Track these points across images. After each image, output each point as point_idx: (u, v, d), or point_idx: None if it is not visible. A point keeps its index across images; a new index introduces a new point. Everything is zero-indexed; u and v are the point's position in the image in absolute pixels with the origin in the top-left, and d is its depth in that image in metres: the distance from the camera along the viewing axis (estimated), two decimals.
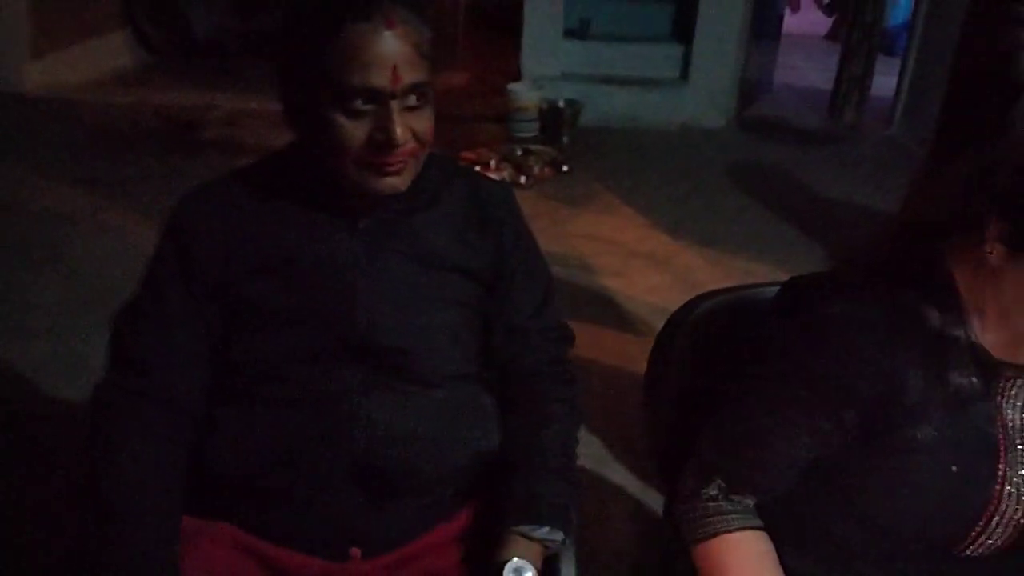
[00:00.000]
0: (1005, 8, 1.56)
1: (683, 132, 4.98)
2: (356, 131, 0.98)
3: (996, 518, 0.93)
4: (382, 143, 0.98)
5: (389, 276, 1.06)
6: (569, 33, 5.13)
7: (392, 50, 0.96)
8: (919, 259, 0.95)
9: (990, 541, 0.94)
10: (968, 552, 0.96)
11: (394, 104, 0.98)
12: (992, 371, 0.93)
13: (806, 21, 7.89)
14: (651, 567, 1.74)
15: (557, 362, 1.19)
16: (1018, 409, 0.93)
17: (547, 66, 5.06)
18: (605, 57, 5.11)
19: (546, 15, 5.02)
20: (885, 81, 5.27)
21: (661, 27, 5.21)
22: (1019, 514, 0.92)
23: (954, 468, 0.91)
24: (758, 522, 0.99)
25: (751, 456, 0.98)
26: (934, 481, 0.92)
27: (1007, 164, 0.86)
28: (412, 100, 1.00)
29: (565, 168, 4.35)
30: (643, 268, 3.41)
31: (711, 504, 0.99)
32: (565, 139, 4.74)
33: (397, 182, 1.02)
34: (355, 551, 1.03)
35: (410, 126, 1.00)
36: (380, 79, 0.96)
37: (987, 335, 0.92)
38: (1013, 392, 0.93)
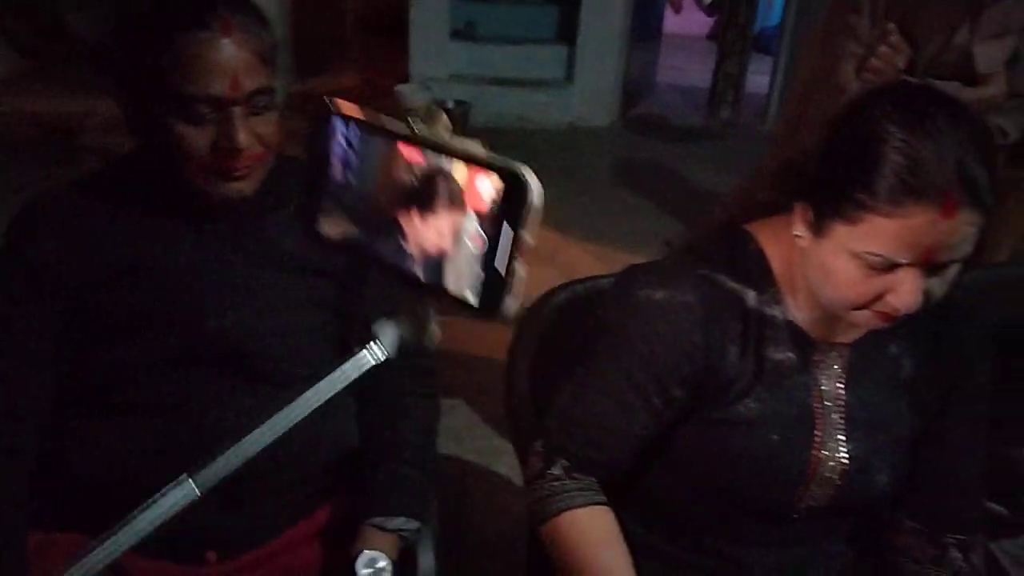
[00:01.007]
0: (842, 19, 1.68)
1: (570, 131, 5.10)
2: (199, 138, 0.97)
3: (816, 480, 1.01)
4: (226, 150, 0.98)
5: (239, 280, 1.06)
6: (456, 35, 5.17)
7: (231, 57, 0.96)
8: (737, 245, 1.02)
9: (813, 502, 1.02)
10: (796, 514, 1.04)
11: (236, 111, 0.97)
12: (807, 346, 1.01)
13: (688, 22, 8.15)
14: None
15: (415, 355, 1.22)
16: (832, 380, 1.02)
17: (435, 68, 5.08)
18: (492, 59, 5.18)
19: (433, 17, 5.04)
20: (761, 79, 5.52)
21: (546, 29, 5.31)
22: (836, 475, 1.01)
23: (775, 437, 0.99)
24: (602, 498, 1.04)
25: (591, 435, 1.03)
26: (758, 450, 0.99)
27: (811, 156, 0.94)
28: (256, 105, 1.00)
29: None
30: (529, 263, 3.43)
31: (556, 483, 1.03)
32: None
33: (243, 187, 1.02)
34: (211, 554, 1.03)
35: (255, 131, 1.00)
36: (219, 87, 0.95)
37: (801, 313, 1.00)
38: (828, 364, 1.02)
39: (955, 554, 1.06)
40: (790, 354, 1.00)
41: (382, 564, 0.99)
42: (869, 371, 1.02)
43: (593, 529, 1.02)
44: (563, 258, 3.52)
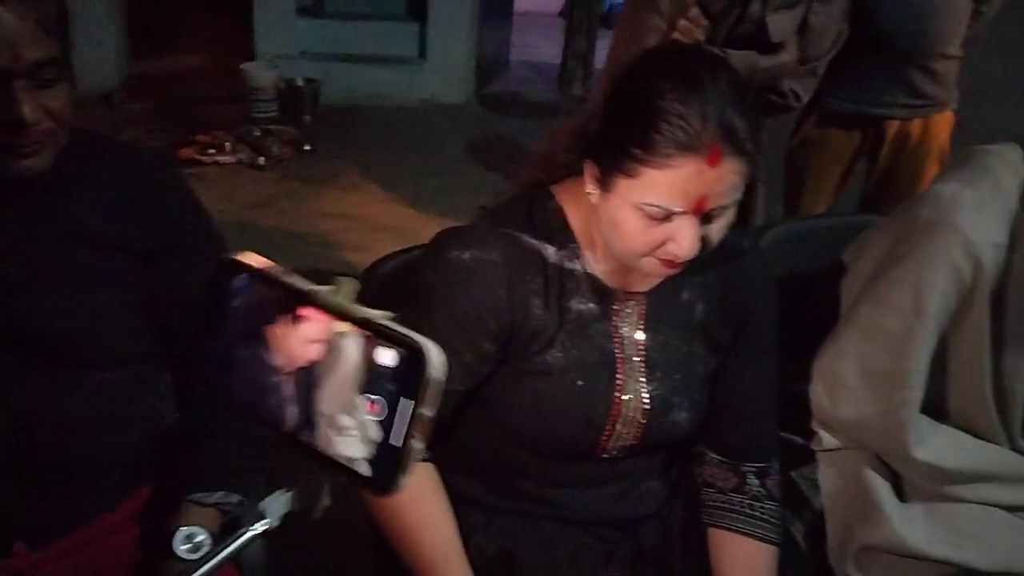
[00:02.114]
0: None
1: (425, 108, 5.09)
2: None
3: (620, 421, 1.08)
4: (10, 124, 0.93)
5: (36, 260, 1.02)
6: (303, 11, 5.05)
7: (8, 28, 0.92)
8: (538, 205, 1.07)
9: (620, 442, 1.09)
10: (606, 454, 1.10)
11: (20, 83, 0.93)
12: (607, 296, 1.08)
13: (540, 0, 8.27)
14: None
15: None
16: (631, 327, 1.09)
17: (282, 45, 4.95)
18: (342, 35, 5.09)
19: None
20: None
21: (396, 6, 5.27)
22: (639, 414, 1.08)
23: (580, 383, 1.05)
24: (425, 454, 1.08)
25: None
26: (564, 396, 1.05)
27: (595, 117, 1.00)
28: (41, 77, 0.96)
29: (307, 147, 4.31)
30: (386, 241, 3.47)
31: None
32: (307, 118, 4.68)
33: (34, 163, 0.98)
34: (19, 545, 1.00)
35: (43, 104, 0.96)
36: None
37: (599, 266, 1.07)
38: (626, 312, 1.09)
39: (753, 480, 1.17)
40: (591, 304, 1.07)
41: (200, 538, 0.99)
42: (665, 317, 1.10)
43: (414, 484, 1.04)
44: (420, 235, 3.51)
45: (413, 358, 0.50)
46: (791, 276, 1.61)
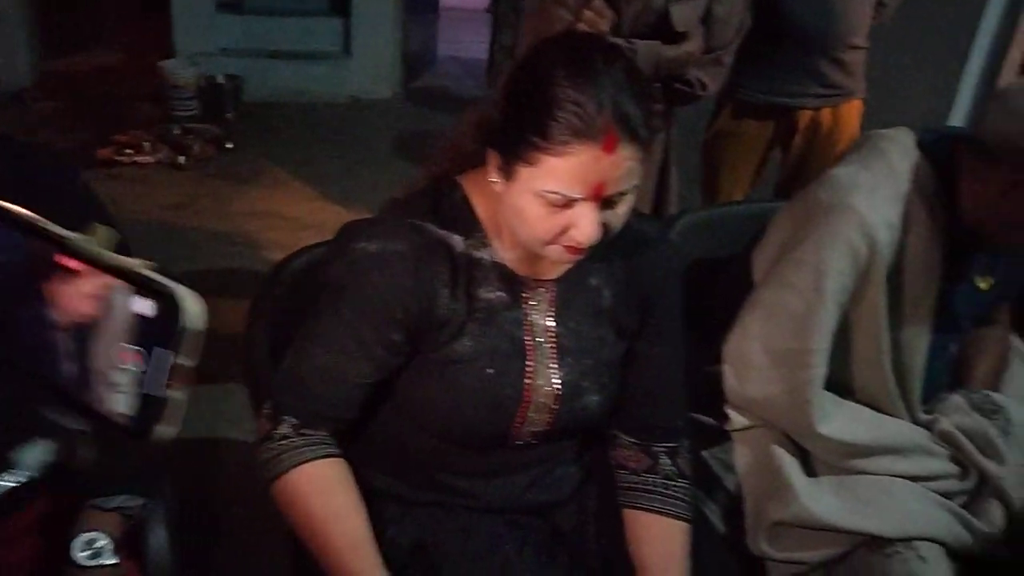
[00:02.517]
0: None
1: (352, 105, 5.03)
2: None
3: (532, 408, 1.09)
4: None
5: None
6: (223, 7, 4.94)
7: None
8: (445, 195, 1.07)
9: (533, 428, 1.10)
10: (519, 441, 1.11)
11: None
12: (516, 285, 1.08)
13: None
14: None
15: None
16: (541, 314, 1.10)
17: (202, 42, 4.84)
18: (264, 31, 5.00)
19: None
20: None
21: (319, 1, 5.20)
22: (550, 400, 1.09)
23: (490, 371, 1.06)
24: (334, 450, 1.07)
25: (317, 390, 1.05)
26: (475, 384, 1.05)
27: (496, 107, 1.00)
28: None
29: (229, 145, 4.22)
30: (313, 240, 3.42)
31: (284, 442, 1.04)
32: (229, 116, 4.59)
33: None
34: None
35: None
36: None
37: (507, 254, 1.07)
38: (536, 300, 1.10)
39: (665, 460, 1.19)
40: (500, 293, 1.07)
41: (101, 543, 0.96)
42: (574, 303, 1.11)
43: (321, 480, 1.04)
44: None
45: (169, 307, 0.49)
46: (703, 262, 1.65)
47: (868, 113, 2.38)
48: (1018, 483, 1.33)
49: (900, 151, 1.31)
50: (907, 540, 1.24)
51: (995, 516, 1.32)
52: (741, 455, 1.36)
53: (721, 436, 1.40)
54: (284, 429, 1.05)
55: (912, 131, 1.35)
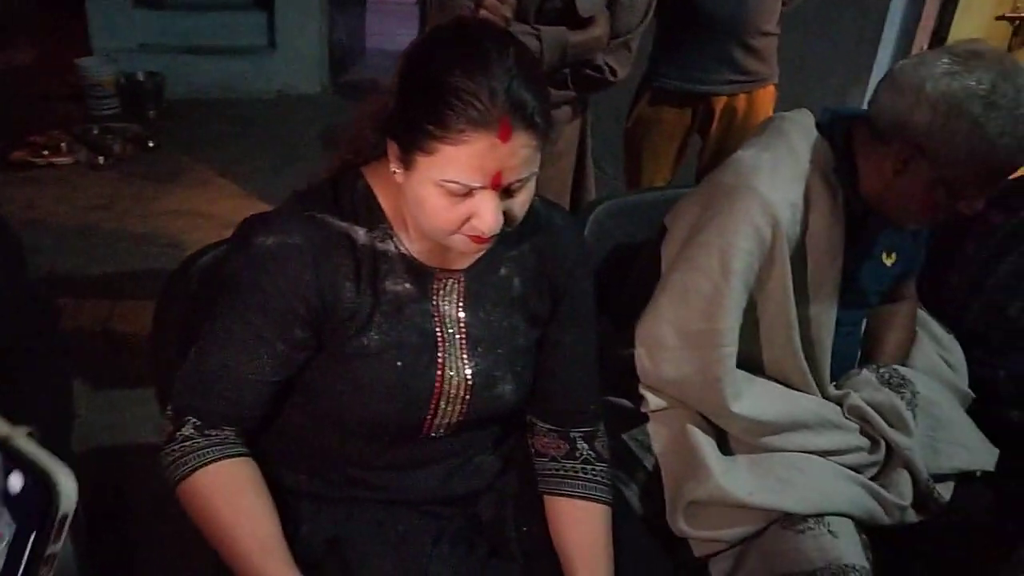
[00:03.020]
0: None
1: (278, 100, 4.95)
2: None
3: (444, 399, 1.08)
4: None
5: None
6: (140, 2, 4.80)
7: None
8: (346, 186, 1.06)
9: (446, 419, 1.10)
10: (433, 433, 1.11)
11: None
12: (424, 276, 1.07)
13: None
14: None
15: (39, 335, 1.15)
16: (451, 304, 1.09)
17: (120, 38, 4.70)
18: (185, 27, 4.88)
19: None
20: None
21: None
22: (462, 391, 1.09)
23: (399, 364, 1.05)
24: (240, 449, 1.05)
25: (220, 389, 1.03)
26: (384, 378, 1.04)
27: (391, 97, 0.99)
28: None
29: (151, 144, 4.11)
30: None
31: (187, 443, 1.02)
32: (151, 114, 4.47)
33: None
34: None
35: None
36: None
37: (414, 245, 1.06)
38: (446, 291, 1.09)
39: (582, 445, 1.20)
40: (407, 285, 1.06)
41: None
42: (484, 293, 1.11)
43: (227, 481, 1.02)
44: None
45: (42, 485, 0.44)
46: (622, 247, 1.67)
47: (783, 98, 2.44)
48: (925, 454, 1.38)
49: (800, 132, 1.34)
50: (819, 516, 1.28)
51: (904, 487, 1.36)
52: (658, 436, 1.38)
53: (639, 418, 1.42)
54: (187, 431, 1.03)
55: (812, 113, 1.38)
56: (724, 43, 2.25)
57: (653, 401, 1.38)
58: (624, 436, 1.42)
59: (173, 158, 4.04)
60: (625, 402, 1.42)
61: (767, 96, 2.38)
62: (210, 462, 1.01)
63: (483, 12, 1.65)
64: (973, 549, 1.70)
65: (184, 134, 4.33)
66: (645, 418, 1.41)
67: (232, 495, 1.01)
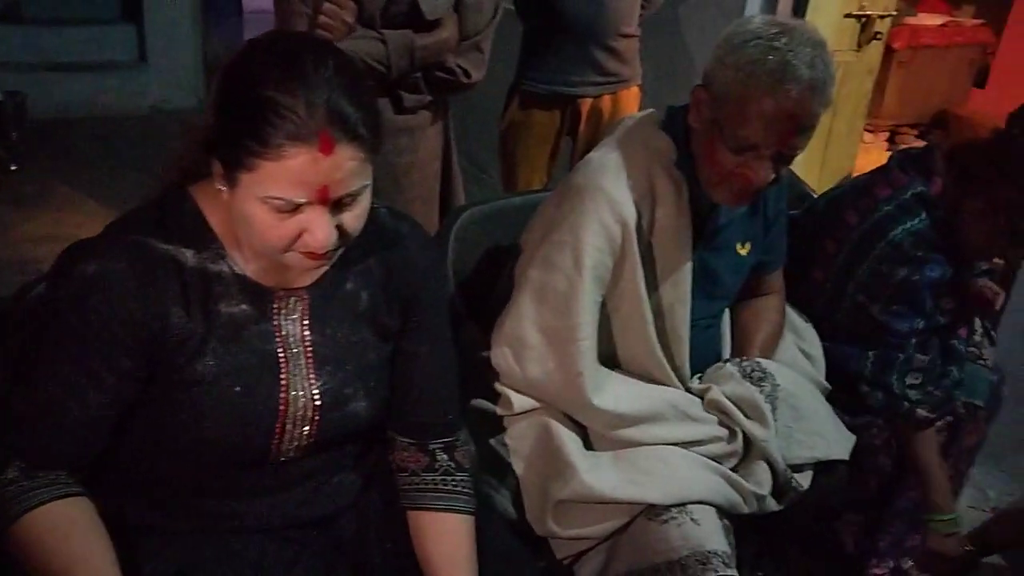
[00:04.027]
0: None
1: (152, 116, 4.76)
2: None
3: (290, 421, 1.05)
4: None
5: None
6: None
7: None
8: (172, 207, 1.02)
9: (296, 443, 1.07)
10: (283, 457, 1.08)
11: None
12: (263, 296, 1.04)
13: None
14: None
15: None
16: (295, 323, 1.06)
17: None
18: (48, 42, 4.63)
19: None
20: None
21: (108, 8, 4.87)
22: (310, 411, 1.06)
23: (238, 389, 1.01)
24: (72, 489, 0.99)
25: (46, 428, 0.97)
26: (223, 405, 1.01)
27: (210, 113, 0.96)
28: None
29: (13, 167, 3.89)
30: None
31: (11, 487, 0.96)
32: (13, 135, 4.21)
33: None
34: None
35: None
36: None
37: (249, 265, 1.03)
38: (288, 310, 1.06)
39: (442, 456, 1.19)
40: (244, 306, 1.03)
41: None
42: (329, 309, 1.09)
43: (59, 523, 0.96)
44: None
45: None
46: (488, 253, 1.68)
47: (651, 100, 2.49)
48: (782, 445, 1.43)
49: (645, 131, 1.38)
50: (682, 505, 1.31)
51: (763, 476, 1.40)
52: (524, 438, 1.39)
53: (505, 422, 1.42)
54: (12, 473, 0.97)
55: (657, 112, 1.42)
56: (586, 46, 2.29)
57: (518, 403, 1.39)
58: (492, 441, 1.42)
59: (37, 181, 3.83)
60: (491, 406, 1.42)
61: (632, 97, 2.43)
62: (39, 504, 0.95)
63: (322, 19, 1.62)
64: (832, 533, 1.78)
65: (50, 155, 4.11)
66: (512, 421, 1.41)
67: (64, 537, 0.96)
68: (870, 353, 1.64)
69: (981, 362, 1.78)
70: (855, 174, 3.52)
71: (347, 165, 0.91)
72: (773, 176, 1.27)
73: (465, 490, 1.19)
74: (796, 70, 1.18)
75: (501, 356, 1.38)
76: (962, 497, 2.31)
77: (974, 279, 1.76)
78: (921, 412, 1.62)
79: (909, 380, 1.62)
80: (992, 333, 1.82)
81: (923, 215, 1.58)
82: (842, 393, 1.65)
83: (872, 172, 1.72)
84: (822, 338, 1.69)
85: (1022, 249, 1.61)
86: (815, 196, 1.98)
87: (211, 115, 0.95)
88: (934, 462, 1.68)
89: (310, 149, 0.88)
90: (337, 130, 0.89)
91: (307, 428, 1.07)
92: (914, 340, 1.61)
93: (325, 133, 0.88)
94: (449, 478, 1.18)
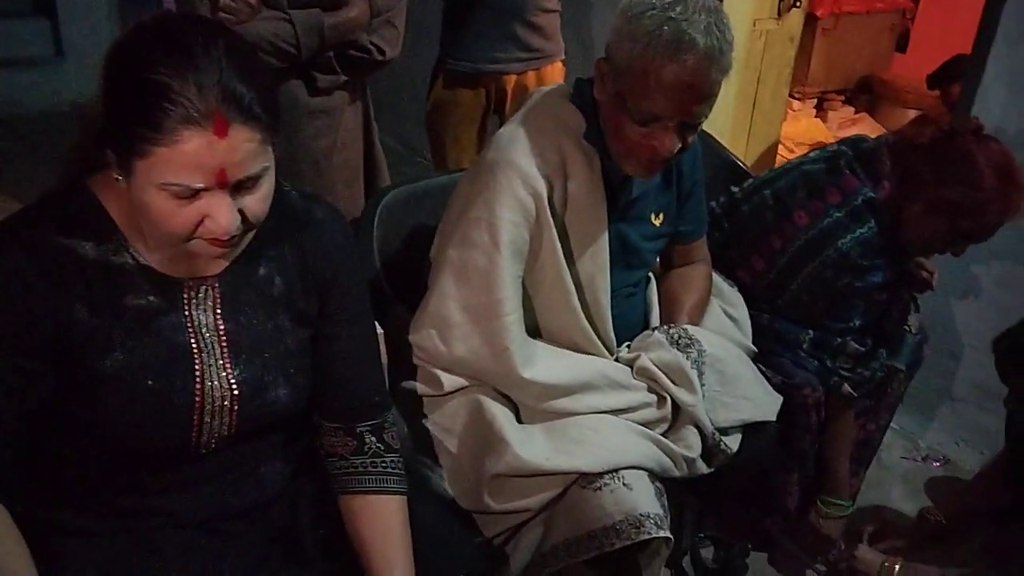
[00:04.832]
0: None
1: (72, 112, 4.61)
2: None
3: (208, 413, 1.03)
4: None
5: None
6: None
7: None
8: (71, 201, 0.99)
9: (216, 434, 1.05)
10: (204, 449, 1.06)
11: None
12: (171, 287, 1.02)
13: None
14: None
15: None
16: (207, 312, 1.04)
17: None
18: None
19: None
20: None
21: (19, 2, 4.69)
22: (228, 401, 1.04)
23: (150, 383, 0.99)
24: None
25: None
26: (135, 400, 0.98)
27: (100, 101, 0.93)
28: None
29: None
30: None
31: None
32: None
33: None
34: None
35: None
36: None
37: (155, 256, 1.01)
38: (199, 299, 1.04)
39: (370, 439, 1.18)
40: (152, 298, 1.00)
41: None
42: (242, 297, 1.07)
43: None
44: None
45: None
46: (412, 233, 1.67)
47: (575, 75, 2.49)
48: (710, 409, 1.45)
49: (553, 105, 1.38)
50: (614, 471, 1.32)
51: (692, 440, 1.42)
52: (456, 417, 1.39)
53: (438, 402, 1.42)
54: None
55: (565, 85, 1.42)
56: (507, 22, 2.28)
57: (448, 382, 1.39)
58: (424, 422, 1.42)
59: None
60: (423, 387, 1.41)
61: (555, 72, 2.43)
62: None
63: (224, 2, 1.58)
64: (774, 492, 1.83)
65: None
66: (444, 401, 1.41)
67: None
68: (810, 331, 1.70)
69: (905, 327, 1.84)
70: (783, 141, 3.60)
71: (244, 147, 0.89)
72: (680, 145, 1.28)
73: (396, 471, 1.19)
74: (692, 39, 1.19)
75: (427, 337, 1.38)
76: (894, 448, 2.40)
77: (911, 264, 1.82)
78: (847, 388, 1.69)
79: (840, 362, 1.69)
80: (917, 301, 1.88)
81: (871, 223, 1.63)
82: (778, 357, 1.70)
83: (825, 170, 1.71)
84: (761, 311, 1.73)
85: (963, 245, 1.66)
86: (747, 170, 2.01)
87: (101, 103, 0.92)
88: (844, 452, 1.78)
89: (204, 132, 0.86)
90: (231, 111, 0.87)
91: (226, 419, 1.05)
92: (850, 336, 1.68)
93: (218, 115, 0.86)
94: (379, 460, 1.18)
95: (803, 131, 4.25)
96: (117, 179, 0.93)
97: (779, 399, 1.56)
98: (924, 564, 1.61)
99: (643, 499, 1.30)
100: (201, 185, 0.89)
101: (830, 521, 1.85)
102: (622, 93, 1.26)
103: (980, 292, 2.22)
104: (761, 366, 1.63)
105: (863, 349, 1.70)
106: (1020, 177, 1.56)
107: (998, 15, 2.00)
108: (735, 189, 1.85)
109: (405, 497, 1.18)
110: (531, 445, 1.33)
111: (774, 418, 1.54)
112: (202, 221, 0.92)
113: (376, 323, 1.28)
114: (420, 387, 1.42)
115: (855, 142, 1.75)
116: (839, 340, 1.68)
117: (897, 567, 1.62)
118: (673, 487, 1.41)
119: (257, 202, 0.95)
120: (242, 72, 0.89)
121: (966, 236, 1.62)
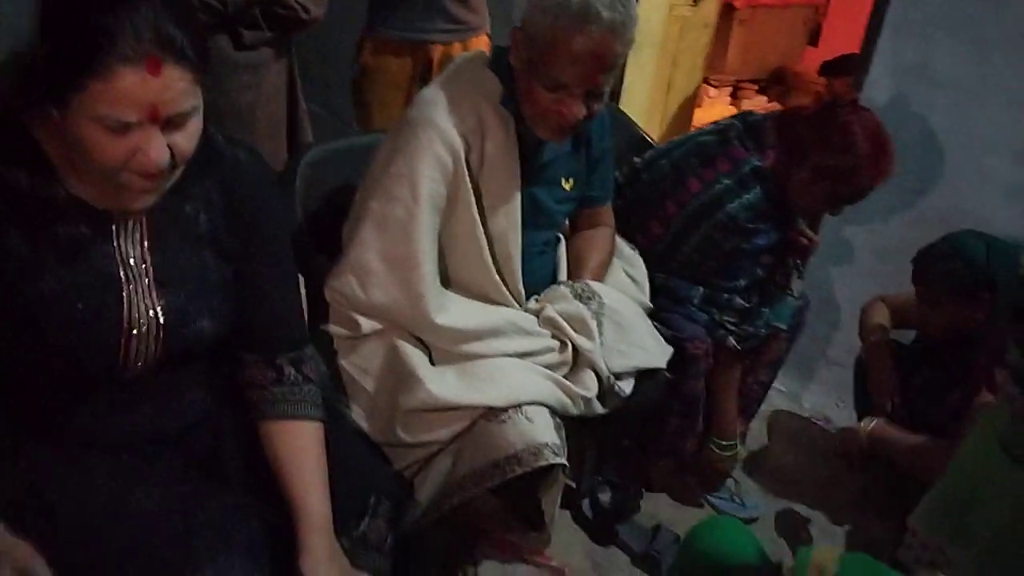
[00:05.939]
0: None
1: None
2: None
3: (135, 338, 1.10)
4: None
5: None
6: None
7: None
8: (7, 134, 1.04)
9: (142, 360, 1.12)
10: (129, 372, 1.13)
11: None
12: (101, 218, 1.08)
13: None
14: None
15: None
16: (135, 244, 1.11)
17: None
18: None
19: None
20: None
21: None
22: (154, 329, 1.12)
23: (80, 307, 1.06)
24: None
25: None
26: (65, 322, 1.05)
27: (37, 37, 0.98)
28: None
29: None
30: None
31: None
32: None
33: None
34: None
35: None
36: None
37: (87, 189, 1.07)
38: (128, 232, 1.10)
39: (289, 369, 1.26)
40: (83, 228, 1.06)
41: None
42: (169, 231, 1.13)
43: None
44: None
45: None
46: (335, 190, 1.75)
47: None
48: (609, 355, 1.59)
49: (473, 70, 1.48)
50: (517, 406, 1.44)
51: (590, 382, 1.56)
52: (373, 357, 1.49)
53: (355, 344, 1.51)
54: None
55: (484, 52, 1.52)
56: None
57: (366, 325, 1.48)
58: (342, 362, 1.51)
59: None
60: (342, 330, 1.51)
61: (480, 45, 2.51)
62: None
63: None
64: (672, 438, 1.98)
65: None
66: (360, 343, 1.51)
67: None
68: (700, 288, 1.85)
69: (788, 291, 2.01)
70: (696, 126, 3.77)
71: (177, 86, 0.96)
72: (586, 112, 1.40)
73: (313, 399, 1.27)
74: (597, 12, 1.31)
75: (347, 284, 1.47)
76: (778, 403, 2.59)
77: (793, 230, 1.98)
78: (731, 341, 1.84)
79: (727, 316, 1.84)
80: (801, 268, 2.05)
81: (757, 189, 1.77)
82: (671, 312, 1.84)
83: (716, 142, 1.87)
84: (657, 272, 1.87)
85: (841, 206, 1.83)
86: (655, 144, 2.15)
87: (36, 40, 0.98)
88: (731, 397, 1.95)
89: (138, 70, 0.93)
90: (164, 51, 0.94)
91: (152, 346, 1.12)
92: (736, 294, 1.83)
93: (152, 55, 0.93)
94: (297, 388, 1.25)
95: (717, 117, 4.43)
96: (52, 113, 0.99)
97: (669, 349, 1.71)
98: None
99: (542, 431, 1.42)
100: (133, 120, 0.96)
101: (722, 459, 2.03)
102: (534, 61, 1.37)
103: (855, 260, 2.41)
104: (656, 323, 1.77)
105: (748, 305, 1.86)
106: (890, 144, 1.74)
107: (884, 10, 2.18)
108: (637, 160, 2.00)
109: (322, 424, 1.26)
110: (443, 382, 1.44)
111: (664, 366, 1.68)
112: (134, 154, 0.99)
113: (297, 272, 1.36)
114: (338, 329, 1.51)
115: (744, 116, 1.91)
116: (726, 296, 1.83)
117: (873, 424, 1.86)
118: (573, 430, 1.53)
119: (186, 139, 1.02)
120: (176, 14, 0.96)
121: (845, 198, 1.79)
